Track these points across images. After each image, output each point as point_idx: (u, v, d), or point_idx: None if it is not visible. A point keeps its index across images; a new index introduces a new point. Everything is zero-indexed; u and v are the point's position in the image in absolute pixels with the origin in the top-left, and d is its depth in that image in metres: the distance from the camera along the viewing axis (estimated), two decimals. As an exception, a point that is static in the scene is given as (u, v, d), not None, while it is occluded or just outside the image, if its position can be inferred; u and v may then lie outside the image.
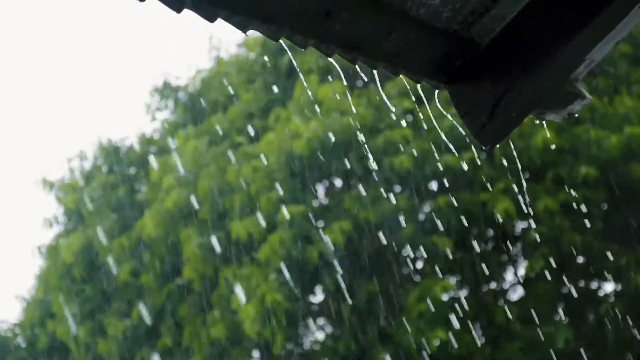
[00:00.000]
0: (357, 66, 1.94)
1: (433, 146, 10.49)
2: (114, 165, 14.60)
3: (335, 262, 10.50)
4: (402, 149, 10.49)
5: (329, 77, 11.33)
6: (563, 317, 10.87)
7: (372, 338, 10.55)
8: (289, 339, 11.26)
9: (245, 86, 13.02)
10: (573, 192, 10.15)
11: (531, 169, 10.61)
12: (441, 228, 10.13)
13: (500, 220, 10.26)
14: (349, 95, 11.36)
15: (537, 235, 10.34)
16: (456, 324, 10.20)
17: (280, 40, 1.76)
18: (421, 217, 11.00)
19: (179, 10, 1.56)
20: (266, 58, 12.66)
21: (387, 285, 10.57)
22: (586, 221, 10.15)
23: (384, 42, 1.89)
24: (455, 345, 10.07)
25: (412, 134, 10.72)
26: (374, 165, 10.42)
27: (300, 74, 12.05)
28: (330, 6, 1.74)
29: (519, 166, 10.43)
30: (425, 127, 10.67)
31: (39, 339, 14.55)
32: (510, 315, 10.38)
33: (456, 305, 10.60)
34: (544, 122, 2.30)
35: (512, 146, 10.05)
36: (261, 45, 12.93)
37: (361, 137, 10.68)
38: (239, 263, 11.13)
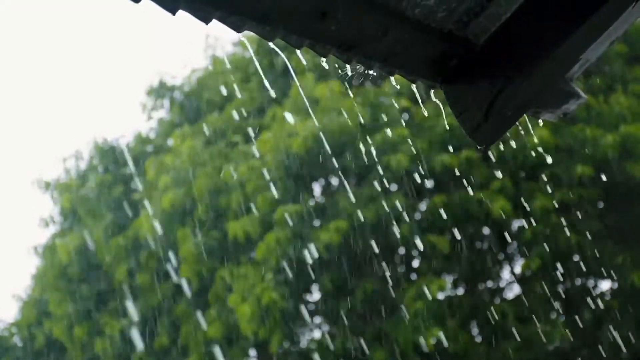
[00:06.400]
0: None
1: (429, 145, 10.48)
2: (109, 165, 14.57)
3: (331, 261, 10.48)
4: (400, 148, 10.47)
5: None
6: (559, 315, 10.87)
7: (368, 336, 10.54)
8: (285, 338, 11.25)
9: (241, 85, 12.99)
10: (568, 191, 10.15)
11: (527, 168, 10.61)
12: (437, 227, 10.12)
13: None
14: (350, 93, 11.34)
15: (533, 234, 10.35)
16: (452, 323, 10.20)
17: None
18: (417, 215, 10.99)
19: (173, 12, 1.55)
20: (255, 59, 12.66)
21: (383, 283, 10.56)
22: (582, 220, 10.15)
23: (380, 42, 1.89)
24: (452, 344, 10.07)
25: (409, 132, 10.71)
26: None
27: (293, 74, 12.03)
28: (326, 6, 1.74)
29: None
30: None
31: (36, 338, 14.53)
32: (506, 314, 10.38)
33: (452, 303, 10.59)
34: (539, 121, 2.30)
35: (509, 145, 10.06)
36: (257, 44, 12.91)
37: (358, 136, 10.66)
38: (236, 262, 11.11)
